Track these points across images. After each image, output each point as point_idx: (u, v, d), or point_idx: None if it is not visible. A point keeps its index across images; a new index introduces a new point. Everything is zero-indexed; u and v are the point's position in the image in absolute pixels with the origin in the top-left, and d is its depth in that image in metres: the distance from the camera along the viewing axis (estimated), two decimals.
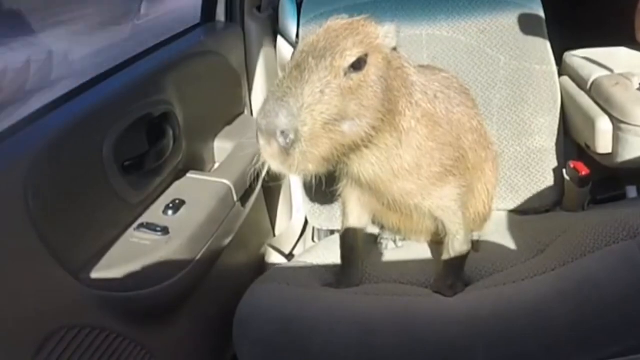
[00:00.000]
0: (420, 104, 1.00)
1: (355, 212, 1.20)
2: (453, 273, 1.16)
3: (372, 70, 0.89)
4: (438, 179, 1.06)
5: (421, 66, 1.09)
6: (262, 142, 0.84)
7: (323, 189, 1.08)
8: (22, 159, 0.81)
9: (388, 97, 0.92)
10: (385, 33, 0.93)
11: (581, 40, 1.50)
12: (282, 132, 0.82)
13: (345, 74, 0.86)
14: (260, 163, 0.89)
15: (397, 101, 0.95)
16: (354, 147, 0.91)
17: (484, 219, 1.28)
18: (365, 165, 0.99)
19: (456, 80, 1.19)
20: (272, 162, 0.85)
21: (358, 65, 0.87)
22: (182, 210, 1.04)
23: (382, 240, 1.34)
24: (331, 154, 0.87)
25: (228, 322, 1.09)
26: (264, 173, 1.32)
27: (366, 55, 0.88)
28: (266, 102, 0.84)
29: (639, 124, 1.21)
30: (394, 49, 0.95)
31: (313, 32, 0.91)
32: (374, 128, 0.90)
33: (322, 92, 0.83)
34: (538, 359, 0.96)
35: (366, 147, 0.94)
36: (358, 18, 0.93)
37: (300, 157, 0.83)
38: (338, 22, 0.92)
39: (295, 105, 0.82)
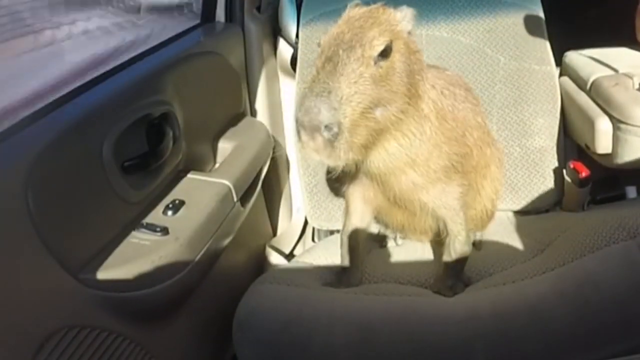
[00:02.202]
0: (430, 95, 1.03)
1: (359, 210, 1.20)
2: (453, 273, 1.16)
3: (397, 56, 0.92)
4: (444, 173, 1.07)
5: (426, 65, 1.10)
6: (304, 138, 0.86)
7: (326, 187, 1.07)
8: (22, 159, 0.81)
9: (411, 81, 0.95)
10: (402, 18, 0.95)
11: (581, 40, 1.50)
12: (326, 127, 0.83)
13: (375, 63, 0.88)
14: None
15: (417, 84, 0.98)
16: (384, 132, 0.94)
17: (490, 216, 1.28)
18: (386, 156, 1.01)
19: (459, 78, 1.20)
20: (317, 156, 0.87)
21: (385, 53, 0.89)
22: (182, 210, 1.04)
23: (382, 239, 1.34)
24: (368, 140, 0.91)
25: (228, 322, 1.09)
26: (264, 173, 1.33)
27: (391, 42, 0.90)
28: (305, 98, 0.85)
29: (638, 124, 1.21)
30: (409, 32, 0.97)
31: (334, 24, 0.93)
32: (402, 112, 0.93)
33: (356, 82, 0.86)
34: (537, 358, 0.97)
35: (391, 133, 0.96)
36: (376, 5, 0.95)
37: (346, 147, 0.86)
38: (357, 10, 0.94)
39: (334, 99, 0.84)
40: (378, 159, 1.01)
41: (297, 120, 0.85)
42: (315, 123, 0.83)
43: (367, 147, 0.93)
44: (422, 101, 1.00)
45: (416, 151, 1.01)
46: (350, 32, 0.89)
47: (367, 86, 0.86)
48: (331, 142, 0.84)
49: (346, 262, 1.23)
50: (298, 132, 0.86)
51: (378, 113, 0.89)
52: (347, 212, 1.22)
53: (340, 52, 0.87)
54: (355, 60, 0.86)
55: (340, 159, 0.87)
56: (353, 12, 0.94)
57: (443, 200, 1.10)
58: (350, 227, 1.22)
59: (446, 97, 1.07)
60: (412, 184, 1.07)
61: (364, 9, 0.95)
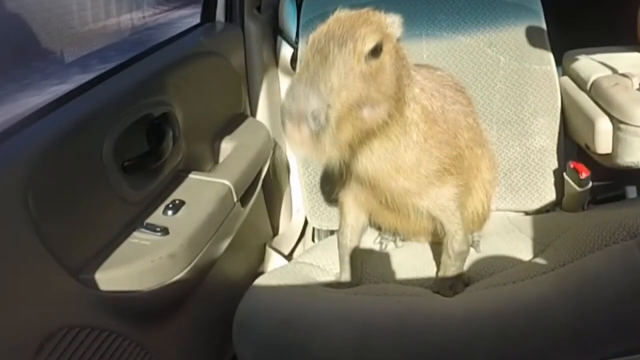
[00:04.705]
0: (419, 100, 1.02)
1: (353, 211, 1.20)
2: (453, 273, 1.16)
3: (386, 58, 0.90)
4: (437, 177, 1.06)
5: (417, 65, 1.10)
6: (290, 127, 0.82)
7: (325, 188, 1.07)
8: (22, 159, 0.81)
9: (398, 85, 0.93)
10: (392, 23, 0.94)
11: (581, 40, 1.50)
12: (313, 116, 0.81)
13: (366, 60, 0.87)
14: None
15: (404, 90, 0.96)
16: (369, 135, 0.93)
17: (483, 218, 1.28)
18: (372, 159, 1.00)
19: (451, 78, 1.19)
20: (300, 149, 0.84)
21: (375, 52, 0.88)
22: (182, 210, 1.04)
23: (381, 241, 1.34)
24: (353, 140, 0.89)
25: (228, 322, 1.09)
26: (264, 173, 1.33)
27: (381, 42, 0.89)
28: (293, 86, 0.83)
29: (638, 124, 1.21)
30: (398, 39, 0.96)
31: (323, 23, 0.91)
32: (388, 115, 0.92)
33: (347, 76, 0.84)
34: (538, 359, 0.96)
35: (377, 136, 0.95)
36: (365, 9, 0.94)
37: (331, 141, 0.83)
38: (346, 13, 0.93)
39: (324, 89, 0.82)
40: (364, 162, 1.00)
41: (283, 109, 0.83)
42: (302, 111, 0.80)
43: (352, 147, 0.91)
44: (408, 108, 0.98)
45: (402, 157, 1.00)
46: (341, 29, 0.87)
47: (356, 81, 0.85)
48: (317, 134, 0.82)
49: (345, 263, 1.22)
50: (284, 122, 0.83)
51: (365, 113, 0.88)
52: (341, 213, 1.22)
53: (331, 45, 0.85)
54: (347, 53, 0.85)
55: (325, 153, 0.84)
56: (342, 13, 0.93)
57: (438, 202, 1.10)
58: (346, 228, 1.21)
59: (436, 100, 1.06)
60: (403, 190, 1.06)
61: (353, 11, 0.93)
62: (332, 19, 0.91)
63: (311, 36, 0.90)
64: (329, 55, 0.84)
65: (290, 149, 0.87)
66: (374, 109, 0.89)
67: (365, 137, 0.92)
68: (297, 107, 0.81)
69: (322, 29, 0.89)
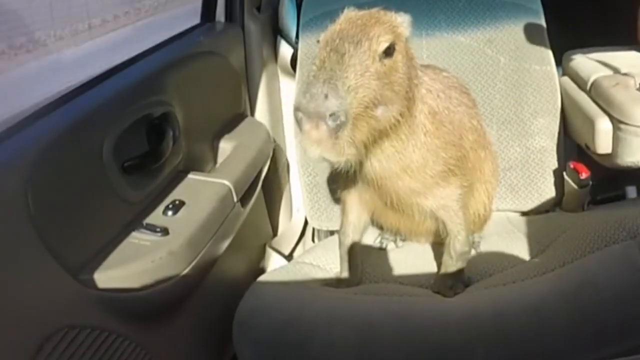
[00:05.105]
0: (426, 100, 1.02)
1: (355, 210, 1.20)
2: (453, 273, 1.16)
3: (399, 57, 0.91)
4: (441, 178, 1.06)
5: (423, 66, 1.10)
6: (307, 127, 0.81)
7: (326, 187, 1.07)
8: (22, 159, 0.81)
9: (409, 84, 0.94)
10: (402, 22, 0.94)
11: (581, 40, 1.50)
12: (332, 115, 0.80)
13: (380, 59, 0.87)
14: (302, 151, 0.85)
15: (413, 90, 0.97)
16: (381, 134, 0.93)
17: (484, 220, 1.28)
18: (381, 158, 1.00)
19: (456, 80, 1.20)
20: (317, 149, 0.83)
21: (389, 51, 0.88)
22: (182, 210, 1.04)
23: (382, 241, 1.34)
24: (368, 139, 0.89)
25: (228, 322, 1.09)
26: (264, 173, 1.33)
27: (394, 42, 0.89)
28: (310, 85, 0.82)
29: (638, 124, 1.21)
30: (406, 39, 0.96)
31: (333, 23, 0.91)
32: (400, 115, 0.92)
33: (363, 75, 0.84)
34: (537, 359, 0.96)
35: (388, 136, 0.95)
36: (375, 9, 0.94)
37: (348, 140, 0.83)
38: (356, 13, 0.93)
39: (342, 87, 0.81)
40: (374, 162, 1.01)
41: (299, 108, 0.81)
42: (321, 110, 0.79)
43: (366, 147, 0.92)
44: (417, 108, 0.99)
45: (410, 157, 1.01)
46: (354, 29, 0.88)
47: (372, 81, 0.85)
48: (335, 133, 0.80)
49: (345, 262, 1.23)
50: (299, 122, 0.81)
51: (379, 112, 0.88)
52: (343, 212, 1.22)
53: (347, 44, 0.85)
54: (362, 53, 0.85)
55: (343, 153, 0.83)
56: (352, 13, 0.93)
57: (442, 203, 1.10)
58: (348, 227, 1.22)
59: (442, 101, 1.07)
60: (409, 189, 1.06)
61: (363, 11, 0.94)
62: (342, 19, 0.92)
63: (323, 35, 0.89)
64: (345, 54, 0.84)
65: (305, 149, 0.84)
66: (388, 107, 0.89)
67: (377, 136, 0.93)
68: (315, 106, 0.80)
69: (334, 28, 0.90)
